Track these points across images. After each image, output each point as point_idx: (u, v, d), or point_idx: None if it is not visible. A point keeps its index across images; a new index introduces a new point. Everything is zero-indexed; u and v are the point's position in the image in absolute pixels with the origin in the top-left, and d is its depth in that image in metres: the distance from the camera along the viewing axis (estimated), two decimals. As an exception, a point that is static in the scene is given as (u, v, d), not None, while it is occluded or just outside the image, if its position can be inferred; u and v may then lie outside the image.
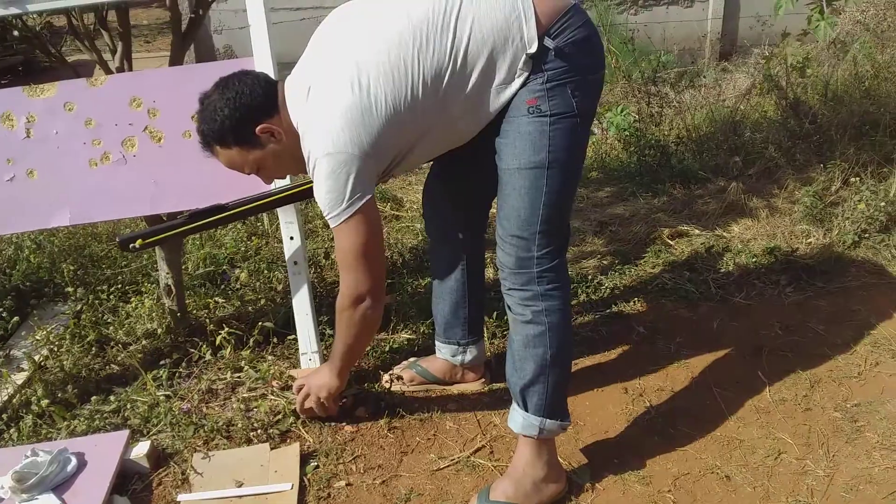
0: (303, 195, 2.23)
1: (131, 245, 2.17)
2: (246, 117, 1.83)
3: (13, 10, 2.19)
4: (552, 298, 1.88)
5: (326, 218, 1.82)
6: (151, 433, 2.26)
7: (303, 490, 2.03)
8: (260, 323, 2.54)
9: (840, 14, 4.54)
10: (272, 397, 2.36)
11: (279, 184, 2.22)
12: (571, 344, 2.01)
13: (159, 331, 2.66)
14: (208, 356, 2.50)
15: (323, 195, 1.78)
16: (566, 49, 1.73)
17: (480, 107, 1.79)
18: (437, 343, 2.42)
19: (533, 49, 1.71)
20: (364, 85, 1.71)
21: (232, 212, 2.20)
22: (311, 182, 1.93)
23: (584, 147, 1.91)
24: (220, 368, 2.50)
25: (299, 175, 2.12)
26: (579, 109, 1.78)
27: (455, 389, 2.42)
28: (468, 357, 2.37)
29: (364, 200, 1.78)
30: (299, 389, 2.20)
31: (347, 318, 1.94)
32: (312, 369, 2.33)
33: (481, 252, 2.32)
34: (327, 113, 1.74)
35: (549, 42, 1.72)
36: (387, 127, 1.73)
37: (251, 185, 2.27)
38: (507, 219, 1.85)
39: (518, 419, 1.95)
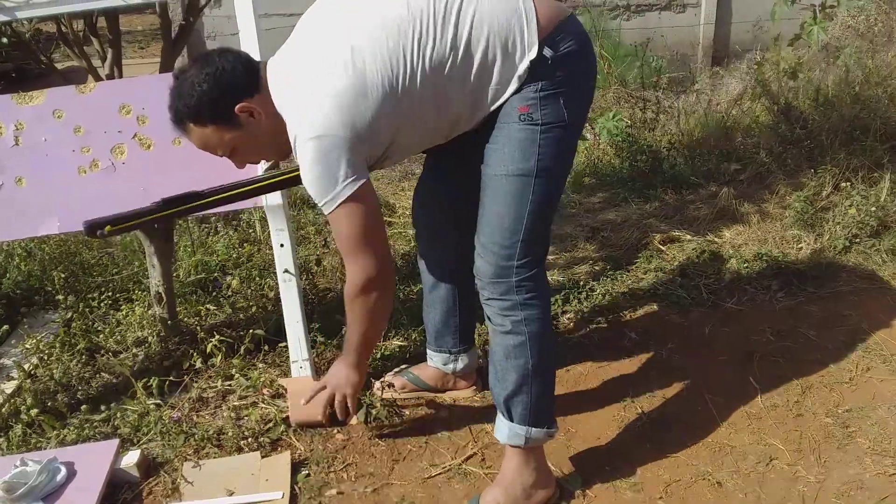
0: (284, 184, 2.12)
1: (99, 231, 1.97)
2: (226, 94, 1.74)
3: (2, 18, 2.18)
4: (531, 308, 1.85)
5: (319, 205, 1.74)
6: (142, 442, 2.25)
7: (294, 498, 2.03)
8: (251, 331, 2.53)
9: (832, 19, 4.55)
10: (263, 405, 2.35)
11: (257, 172, 2.17)
12: (555, 351, 1.99)
13: (150, 339, 2.65)
14: (199, 364, 2.50)
15: (313, 180, 1.71)
16: (562, 58, 1.72)
17: (479, 102, 1.76)
18: (428, 351, 2.41)
19: (532, 54, 1.69)
20: (359, 68, 1.66)
21: (208, 199, 2.05)
22: (295, 170, 1.87)
23: (572, 158, 1.90)
24: (210, 376, 2.50)
25: (280, 166, 2.10)
26: (570, 120, 1.76)
27: (447, 397, 2.41)
28: (460, 365, 2.37)
29: (359, 184, 1.70)
30: (321, 393, 2.11)
31: (360, 307, 1.87)
32: (302, 378, 2.33)
33: (471, 258, 2.31)
34: (318, 94, 1.68)
35: (546, 51, 1.70)
36: (381, 111, 1.68)
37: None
38: (489, 225, 1.83)
39: (504, 429, 1.93)
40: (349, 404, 2.08)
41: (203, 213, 2.33)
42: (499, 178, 1.79)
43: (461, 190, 2.12)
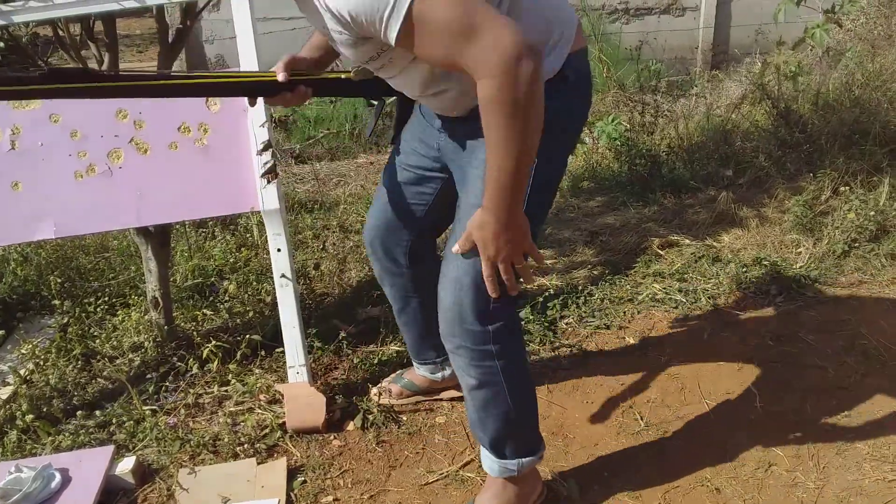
0: (221, 90, 1.75)
1: None
2: None
3: (-2, 22, 2.18)
4: (508, 355, 1.71)
5: (385, 21, 1.30)
6: (137, 448, 2.24)
7: (289, 505, 2.02)
8: (248, 336, 2.52)
9: (838, 24, 4.55)
10: (259, 411, 2.34)
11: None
12: (532, 384, 1.87)
13: (146, 344, 2.64)
14: (195, 369, 2.49)
15: None
16: (577, 83, 1.58)
17: None
18: (414, 363, 2.38)
19: (563, 57, 1.53)
20: None
21: (106, 84, 1.55)
22: (235, 76, 1.65)
23: (554, 196, 1.79)
24: (207, 382, 2.49)
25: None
26: (564, 156, 1.68)
27: (444, 396, 2.39)
28: (448, 371, 2.33)
29: None
30: (493, 264, 1.53)
31: (508, 92, 1.28)
32: (298, 384, 2.31)
33: (435, 263, 2.03)
34: None
35: (570, 72, 1.54)
36: None
37: (237, 195, 2.26)
38: (466, 262, 1.63)
39: (494, 467, 1.86)
40: (532, 255, 1.55)
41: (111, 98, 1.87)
42: (474, 205, 1.56)
43: (424, 203, 1.98)
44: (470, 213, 1.55)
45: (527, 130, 1.33)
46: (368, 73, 1.64)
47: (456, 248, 1.58)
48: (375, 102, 1.91)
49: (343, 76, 1.73)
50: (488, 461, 1.87)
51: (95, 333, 2.77)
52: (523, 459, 1.85)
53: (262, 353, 2.58)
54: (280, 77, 1.64)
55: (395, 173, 2.00)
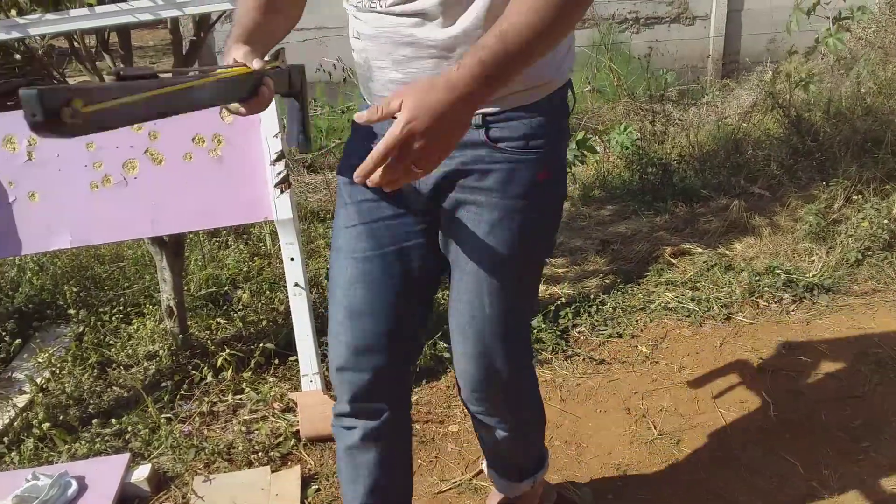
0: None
1: (65, 108, 0.84)
2: None
3: (15, 34, 2.20)
4: (532, 398, 1.67)
5: None
6: (152, 456, 2.25)
7: (303, 513, 2.02)
8: (261, 344, 2.54)
9: (847, 31, 4.55)
10: (273, 419, 2.35)
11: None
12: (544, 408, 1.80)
13: (161, 353, 2.66)
14: (210, 378, 2.50)
15: None
16: (567, 107, 1.40)
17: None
18: None
19: (569, 69, 1.37)
20: None
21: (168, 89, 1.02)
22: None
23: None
24: (221, 390, 2.50)
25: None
26: (564, 189, 1.47)
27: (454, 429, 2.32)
28: None
29: None
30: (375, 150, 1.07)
31: None
32: (312, 392, 2.32)
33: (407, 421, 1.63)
34: None
35: (569, 87, 1.38)
36: None
37: (251, 205, 2.28)
38: (489, 324, 1.45)
39: (515, 490, 1.84)
40: (425, 168, 1.11)
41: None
42: (485, 267, 1.39)
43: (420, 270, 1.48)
44: (495, 270, 1.39)
45: (566, 17, 1.11)
46: (282, 55, 1.34)
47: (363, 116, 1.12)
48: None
49: (272, 65, 1.30)
50: (505, 484, 1.84)
51: (111, 342, 2.79)
52: (536, 475, 1.84)
53: (276, 361, 2.60)
54: (256, 64, 1.20)
55: (369, 257, 1.43)
